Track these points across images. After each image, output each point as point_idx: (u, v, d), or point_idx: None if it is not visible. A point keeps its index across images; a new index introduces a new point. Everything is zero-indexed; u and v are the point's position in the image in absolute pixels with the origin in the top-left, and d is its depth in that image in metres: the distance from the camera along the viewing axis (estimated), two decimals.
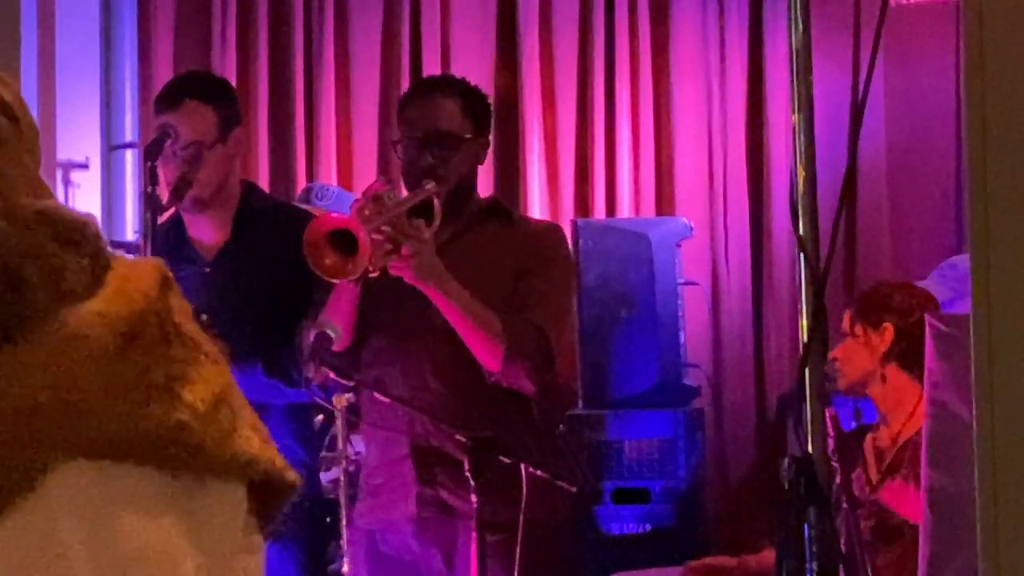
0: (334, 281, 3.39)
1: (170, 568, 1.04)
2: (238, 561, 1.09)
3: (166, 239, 3.79)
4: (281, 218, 3.91)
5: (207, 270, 3.82)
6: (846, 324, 3.88)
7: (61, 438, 1.01)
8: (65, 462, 1.01)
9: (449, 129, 3.60)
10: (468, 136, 3.63)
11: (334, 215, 3.42)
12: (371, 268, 3.34)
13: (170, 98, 3.80)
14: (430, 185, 3.53)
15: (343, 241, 3.28)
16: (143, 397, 1.04)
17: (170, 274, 1.13)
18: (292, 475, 1.14)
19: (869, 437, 3.87)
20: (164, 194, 3.70)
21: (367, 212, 3.33)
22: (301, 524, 3.81)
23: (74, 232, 1.12)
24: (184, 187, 3.65)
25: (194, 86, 3.88)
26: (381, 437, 3.64)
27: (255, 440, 1.12)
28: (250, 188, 3.97)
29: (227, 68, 6.25)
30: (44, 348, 1.03)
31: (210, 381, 1.10)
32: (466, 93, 3.70)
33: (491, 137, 3.78)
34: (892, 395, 3.77)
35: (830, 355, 3.93)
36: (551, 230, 3.86)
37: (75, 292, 1.06)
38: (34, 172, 1.19)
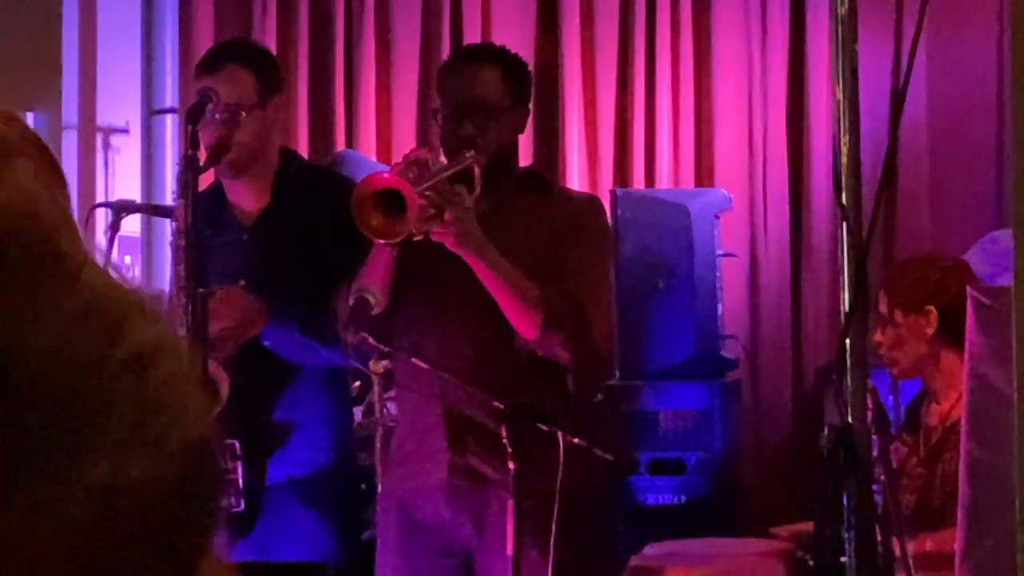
0: (380, 242, 3.38)
1: None
2: None
3: (206, 205, 3.80)
4: (319, 183, 3.91)
5: (245, 237, 3.83)
6: (883, 307, 3.81)
7: None
8: None
9: (489, 98, 3.58)
10: (508, 105, 3.60)
11: (383, 175, 3.38)
12: (414, 232, 3.33)
13: (211, 62, 3.81)
14: (470, 154, 3.51)
15: (390, 202, 3.26)
16: None
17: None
18: None
19: (923, 408, 3.84)
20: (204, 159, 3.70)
21: (410, 176, 3.31)
22: (336, 491, 3.82)
23: None
24: (221, 151, 3.65)
25: (235, 51, 3.89)
26: (413, 404, 3.64)
27: None
28: (289, 154, 3.97)
29: (267, 35, 6.25)
30: None
31: None
32: (507, 62, 3.68)
33: (531, 107, 3.76)
34: (945, 374, 3.72)
35: (873, 337, 3.90)
36: (590, 201, 3.84)
37: None
38: None
